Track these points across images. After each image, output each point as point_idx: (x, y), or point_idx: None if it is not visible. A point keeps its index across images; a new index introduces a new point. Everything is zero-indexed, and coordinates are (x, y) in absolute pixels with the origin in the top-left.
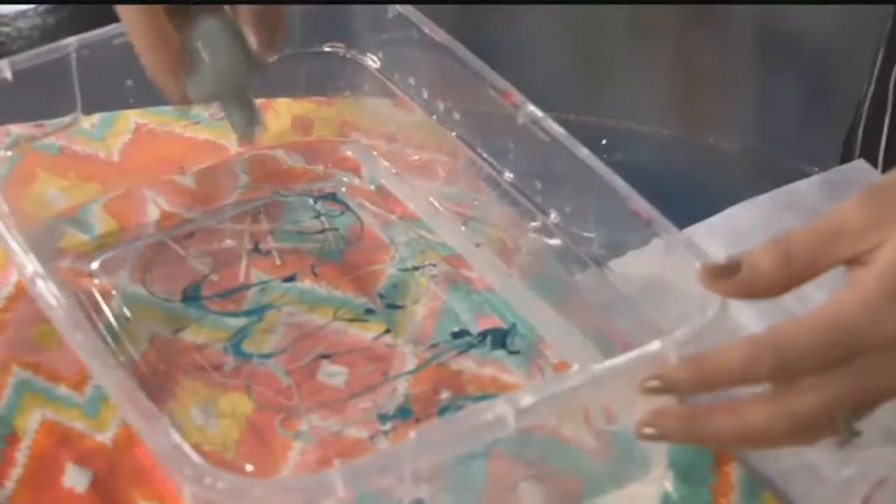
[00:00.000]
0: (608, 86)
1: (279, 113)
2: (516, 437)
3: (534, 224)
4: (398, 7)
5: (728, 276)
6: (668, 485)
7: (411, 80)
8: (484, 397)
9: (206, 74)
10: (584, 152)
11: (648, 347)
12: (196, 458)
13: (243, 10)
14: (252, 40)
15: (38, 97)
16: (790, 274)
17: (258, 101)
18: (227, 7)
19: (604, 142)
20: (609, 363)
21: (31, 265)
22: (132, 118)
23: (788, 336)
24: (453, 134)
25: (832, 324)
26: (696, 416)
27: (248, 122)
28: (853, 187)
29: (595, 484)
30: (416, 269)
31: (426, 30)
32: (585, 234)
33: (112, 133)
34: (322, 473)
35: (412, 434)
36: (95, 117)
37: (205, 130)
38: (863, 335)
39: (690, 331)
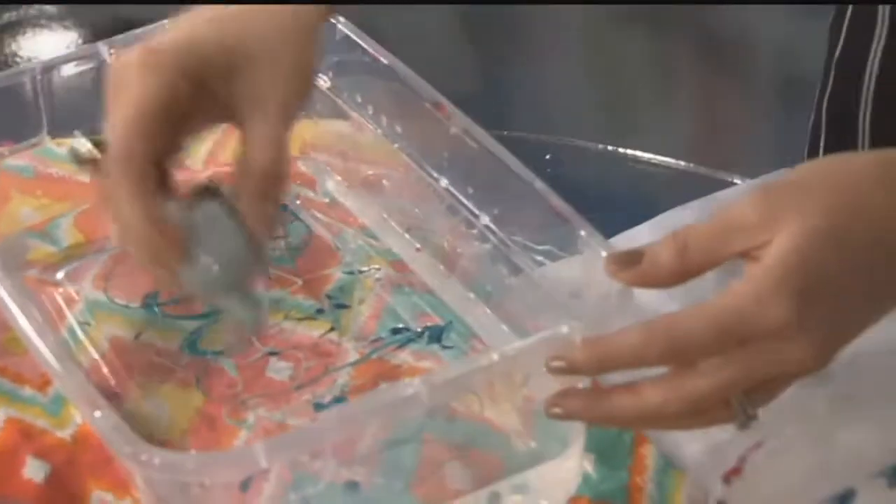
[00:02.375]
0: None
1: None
2: (445, 423)
3: (472, 231)
4: (345, 30)
5: (630, 266)
6: (588, 465)
7: (358, 98)
8: None
9: (206, 267)
10: (511, 159)
11: (556, 330)
12: (135, 438)
13: (246, 189)
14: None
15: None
16: (686, 265)
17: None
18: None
19: (547, 156)
20: (518, 343)
21: None
22: None
23: (681, 322)
24: (396, 146)
25: (722, 312)
26: (598, 395)
27: (253, 319)
28: None
29: (516, 462)
30: (361, 272)
31: (371, 50)
32: (515, 238)
33: None
34: (247, 448)
35: (332, 410)
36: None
37: None
38: (750, 323)
39: (597, 314)
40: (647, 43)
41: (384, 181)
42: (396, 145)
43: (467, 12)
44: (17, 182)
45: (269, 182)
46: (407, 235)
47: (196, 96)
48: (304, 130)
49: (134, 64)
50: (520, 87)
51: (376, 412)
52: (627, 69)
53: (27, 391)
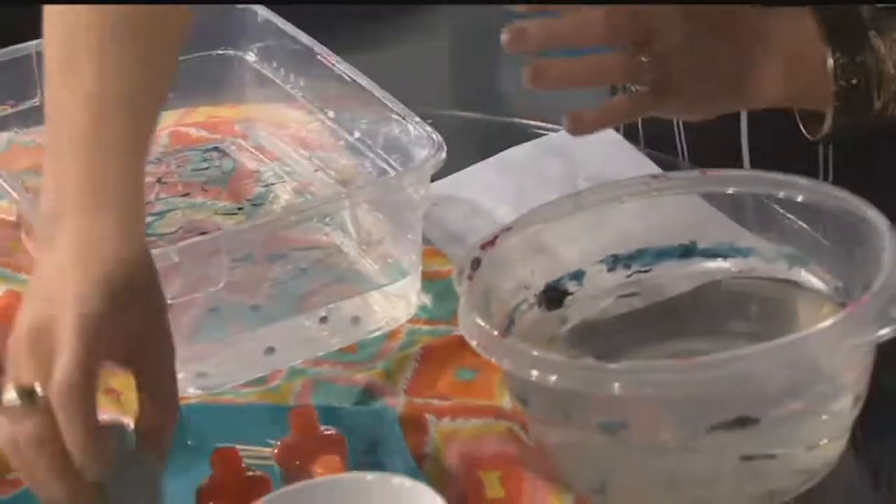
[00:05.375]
0: None
1: (199, 113)
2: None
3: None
4: (260, 11)
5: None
6: (426, 300)
7: (282, 71)
8: None
9: None
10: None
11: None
12: None
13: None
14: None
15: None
16: None
17: None
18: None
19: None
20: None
21: None
22: None
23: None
24: (314, 105)
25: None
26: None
27: None
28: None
29: (363, 284)
30: (273, 184)
31: (288, 31)
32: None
33: None
34: None
35: None
36: None
37: None
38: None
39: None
40: None
41: (305, 136)
42: (314, 104)
43: None
44: None
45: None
46: (314, 169)
47: None
48: (248, 110)
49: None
50: None
51: None
52: None
53: None
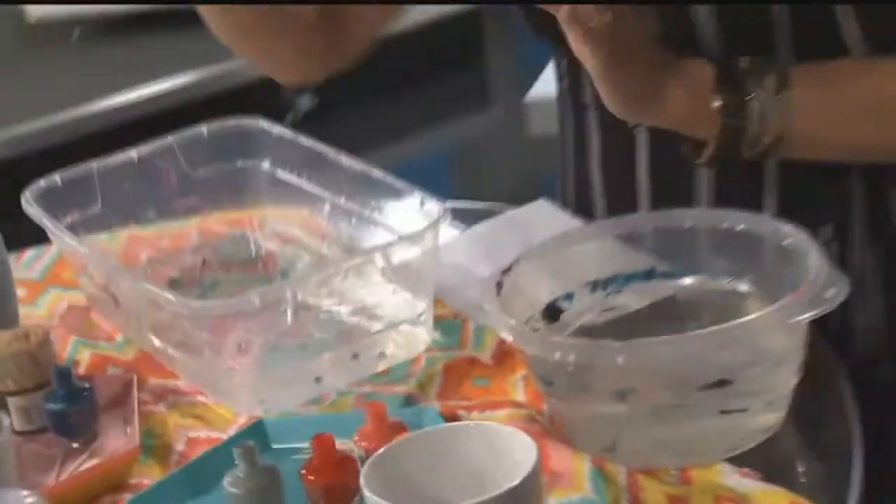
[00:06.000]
0: None
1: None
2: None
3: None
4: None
5: None
6: (437, 335)
7: (293, 171)
8: None
9: None
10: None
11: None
12: None
13: None
14: None
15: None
16: None
17: None
18: None
19: None
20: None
21: None
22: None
23: None
24: (323, 192)
25: None
26: None
27: None
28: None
29: (389, 324)
30: (294, 260)
31: (300, 141)
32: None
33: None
34: None
35: None
36: None
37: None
38: None
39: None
40: None
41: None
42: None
43: None
44: None
45: None
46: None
47: None
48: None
49: None
50: None
51: None
52: None
53: None
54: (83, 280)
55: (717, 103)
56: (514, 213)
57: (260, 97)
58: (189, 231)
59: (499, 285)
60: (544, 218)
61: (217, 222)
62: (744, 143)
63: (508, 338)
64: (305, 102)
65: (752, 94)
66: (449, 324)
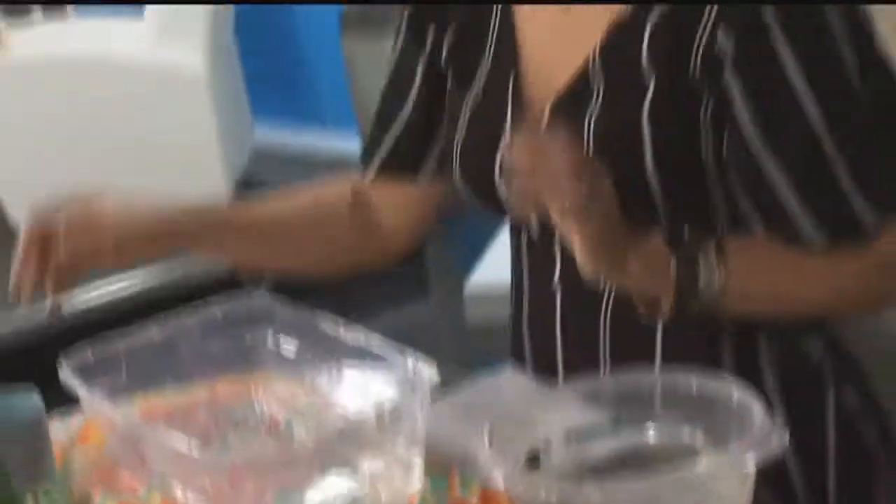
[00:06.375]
0: None
1: (228, 380)
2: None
3: None
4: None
5: None
6: (426, 484)
7: (294, 343)
8: None
9: None
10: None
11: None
12: None
13: None
14: None
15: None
16: None
17: None
18: None
19: None
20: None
21: None
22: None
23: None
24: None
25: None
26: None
27: None
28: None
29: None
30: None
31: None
32: None
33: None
34: None
35: None
36: None
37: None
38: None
39: None
40: None
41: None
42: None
43: None
44: None
45: None
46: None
47: None
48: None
49: None
50: None
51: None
52: None
53: None
54: (111, 440)
55: (672, 269)
56: (486, 381)
57: None
58: (200, 396)
59: (489, 439)
60: (513, 384)
61: (225, 388)
62: (695, 303)
63: (499, 482)
64: None
65: (699, 262)
66: (436, 478)
